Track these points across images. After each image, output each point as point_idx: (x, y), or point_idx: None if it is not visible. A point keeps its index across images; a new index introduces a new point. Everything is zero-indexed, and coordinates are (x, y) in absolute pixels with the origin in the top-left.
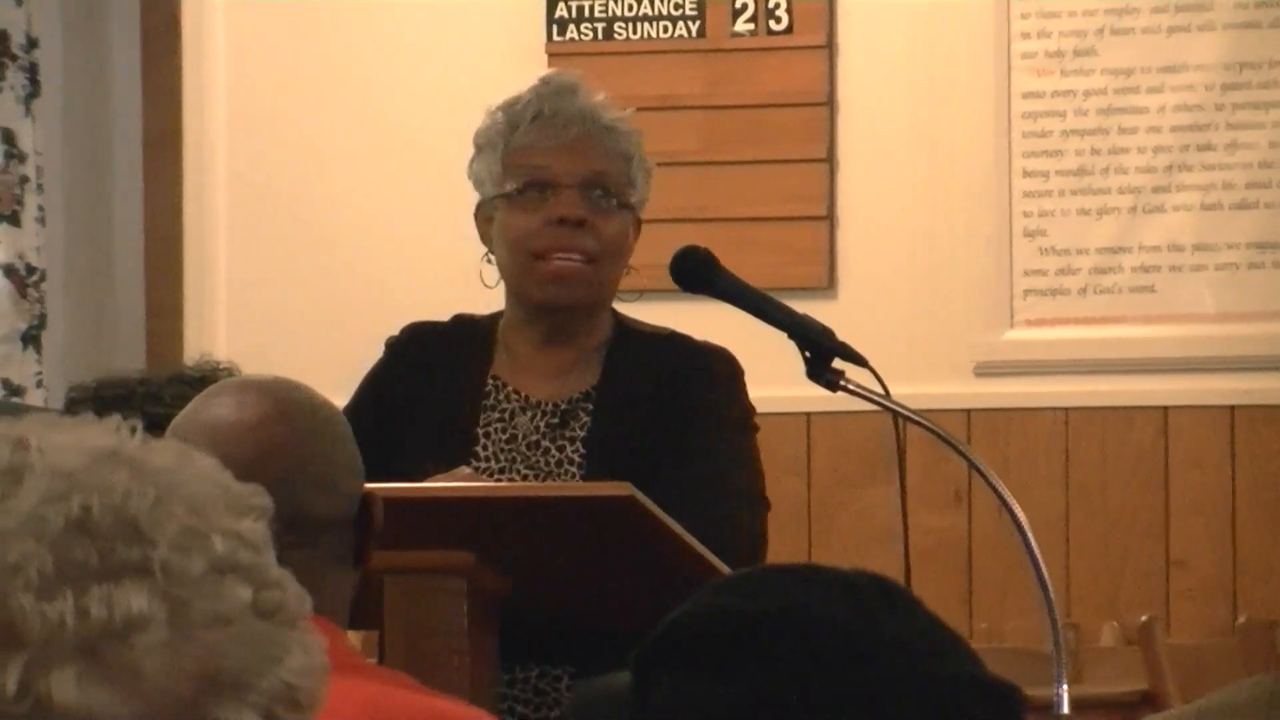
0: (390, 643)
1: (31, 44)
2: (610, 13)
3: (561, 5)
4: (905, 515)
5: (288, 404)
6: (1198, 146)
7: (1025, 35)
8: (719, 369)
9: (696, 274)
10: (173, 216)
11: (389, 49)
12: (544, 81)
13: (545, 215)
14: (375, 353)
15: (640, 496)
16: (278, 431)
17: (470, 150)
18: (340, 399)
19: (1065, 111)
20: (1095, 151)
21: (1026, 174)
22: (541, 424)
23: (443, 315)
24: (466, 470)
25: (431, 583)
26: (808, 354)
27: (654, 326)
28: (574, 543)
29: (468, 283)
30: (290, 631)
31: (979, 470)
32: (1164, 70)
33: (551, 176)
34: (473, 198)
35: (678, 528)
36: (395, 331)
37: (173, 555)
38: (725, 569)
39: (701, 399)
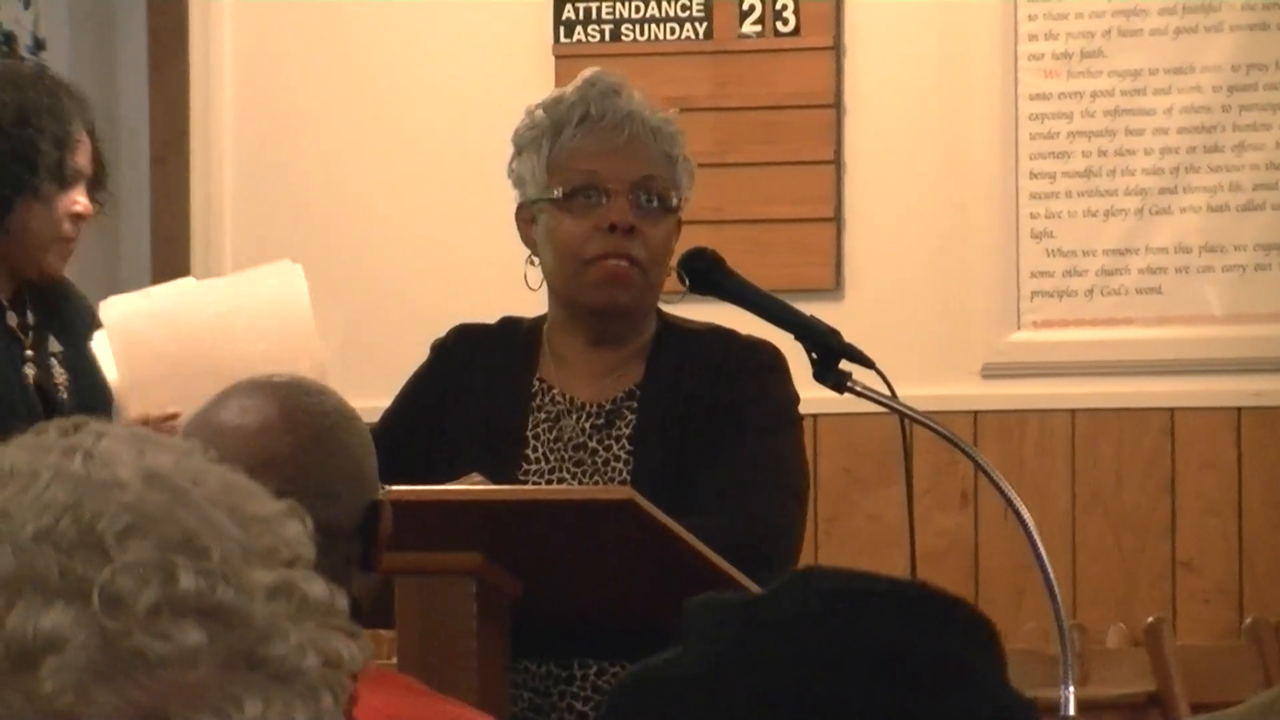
0: (402, 643)
1: (39, 45)
2: (618, 14)
3: (569, 7)
4: (911, 516)
5: (293, 410)
6: (1205, 148)
7: (1032, 36)
8: (763, 362)
9: (704, 275)
10: (179, 219)
11: (396, 51)
12: (589, 82)
13: (595, 221)
14: (383, 353)
15: (639, 500)
16: (279, 440)
17: (475, 147)
18: (349, 400)
19: (1072, 113)
20: (1102, 153)
21: (1033, 175)
22: (587, 425)
23: (450, 314)
24: (478, 476)
25: (442, 583)
26: (815, 355)
27: (697, 323)
28: (579, 545)
29: (477, 283)
30: (274, 686)
31: (986, 472)
32: (1171, 72)
33: (601, 182)
34: (475, 195)
35: (679, 529)
36: (404, 332)
37: (121, 582)
38: (729, 568)
39: (746, 394)
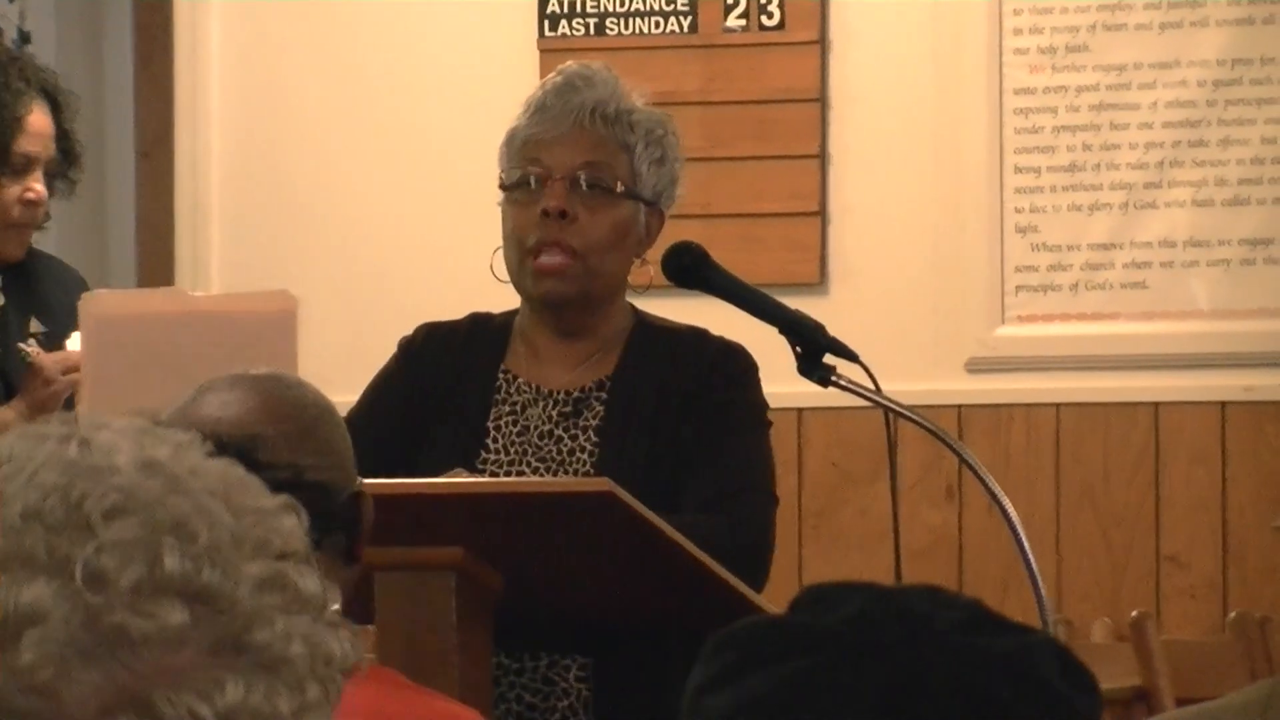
0: (383, 638)
1: (24, 38)
2: (602, 8)
3: (553, 1)
4: (896, 511)
5: (275, 403)
6: (1190, 143)
7: (1018, 31)
8: (738, 365)
9: (689, 269)
10: (165, 214)
11: (381, 46)
12: (557, 73)
13: (535, 209)
14: (370, 348)
15: (619, 491)
16: (264, 433)
17: (460, 141)
18: (335, 396)
19: (1057, 108)
20: (1087, 148)
21: (1018, 170)
22: (554, 413)
23: (436, 310)
24: (463, 471)
25: (422, 578)
26: (799, 349)
27: (673, 322)
28: (558, 537)
29: (461, 278)
30: (259, 672)
31: (970, 466)
32: (1156, 67)
33: (541, 169)
34: (460, 189)
35: (659, 521)
36: (391, 327)
37: (104, 558)
38: (713, 563)
39: (726, 396)
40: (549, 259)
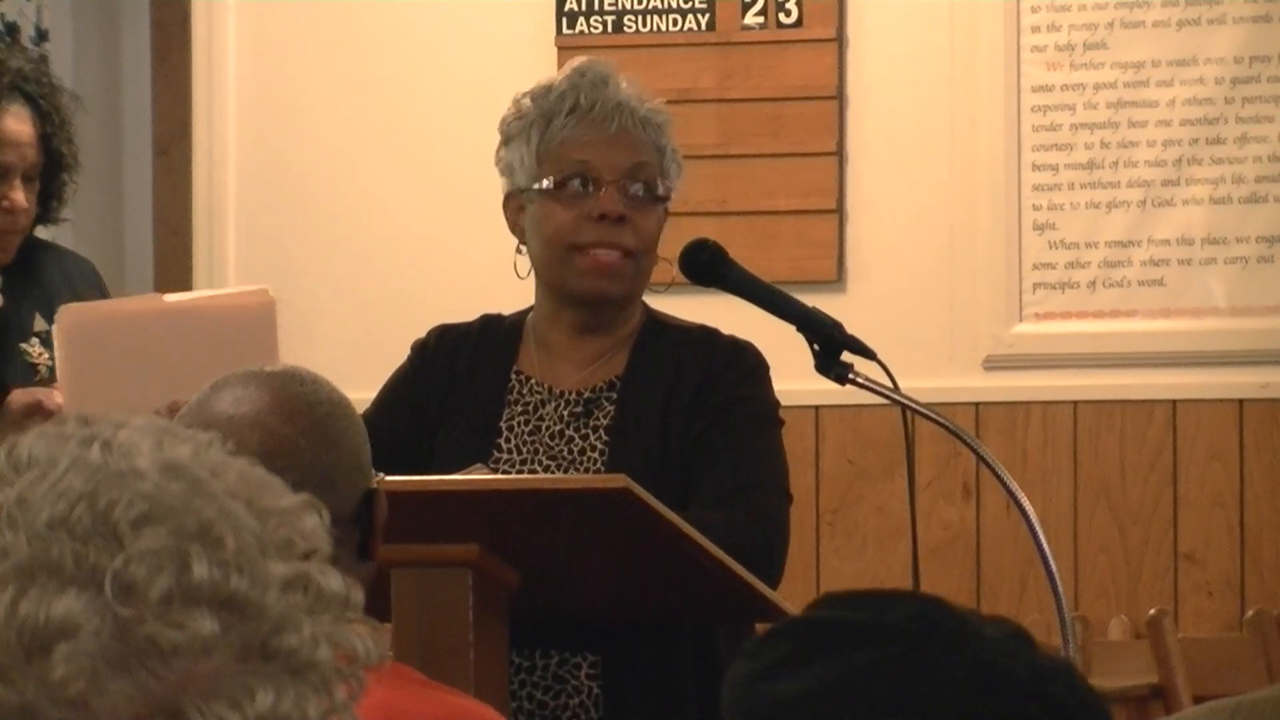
0: (399, 635)
1: (42, 36)
2: (620, 6)
3: None
4: (913, 508)
5: (290, 400)
6: (1208, 140)
7: (1035, 29)
8: (750, 363)
9: (706, 267)
10: (182, 211)
11: (398, 43)
12: (579, 71)
13: (586, 210)
14: (384, 346)
15: (635, 488)
16: (276, 430)
17: (477, 139)
18: (348, 393)
19: (1075, 105)
20: (1105, 145)
21: (1036, 167)
22: (565, 413)
23: (449, 308)
24: (483, 468)
25: (439, 575)
26: (817, 347)
27: (682, 320)
28: (574, 534)
29: (475, 277)
30: (287, 677)
31: (988, 464)
32: (1174, 64)
33: (592, 171)
34: (476, 187)
35: (675, 518)
36: (404, 325)
37: (134, 569)
38: (729, 560)
39: (738, 393)
40: (606, 256)
